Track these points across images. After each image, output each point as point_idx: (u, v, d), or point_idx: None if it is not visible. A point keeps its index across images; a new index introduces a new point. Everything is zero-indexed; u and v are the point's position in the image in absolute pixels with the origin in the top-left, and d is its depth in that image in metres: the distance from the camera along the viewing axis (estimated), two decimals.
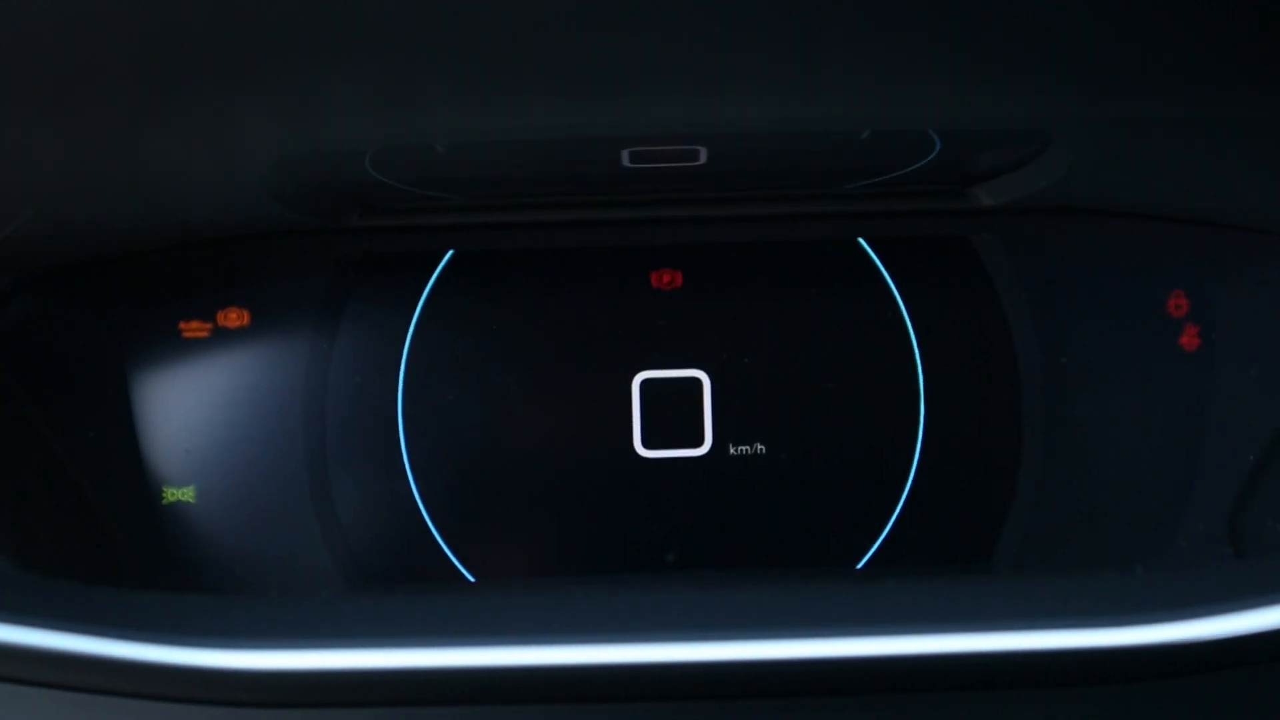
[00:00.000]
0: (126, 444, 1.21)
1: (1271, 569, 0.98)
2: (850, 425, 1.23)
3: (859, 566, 1.22)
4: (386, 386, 1.23)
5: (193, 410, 1.22)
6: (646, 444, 1.23)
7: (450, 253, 1.24)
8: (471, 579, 1.22)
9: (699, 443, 1.23)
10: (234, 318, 1.23)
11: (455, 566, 1.22)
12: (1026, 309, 1.23)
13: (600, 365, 1.24)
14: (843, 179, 1.20)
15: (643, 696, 0.87)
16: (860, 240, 1.24)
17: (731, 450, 1.23)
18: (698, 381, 1.23)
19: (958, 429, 1.23)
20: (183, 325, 1.23)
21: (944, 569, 1.22)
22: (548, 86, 0.84)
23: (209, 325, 1.23)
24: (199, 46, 0.77)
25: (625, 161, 1.06)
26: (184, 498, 1.22)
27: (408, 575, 1.22)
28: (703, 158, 1.05)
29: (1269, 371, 1.20)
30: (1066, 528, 1.21)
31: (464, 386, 1.23)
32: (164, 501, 1.21)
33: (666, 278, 1.25)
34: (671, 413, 1.23)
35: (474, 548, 1.22)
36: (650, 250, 1.25)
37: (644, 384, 1.23)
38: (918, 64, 0.83)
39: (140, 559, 1.20)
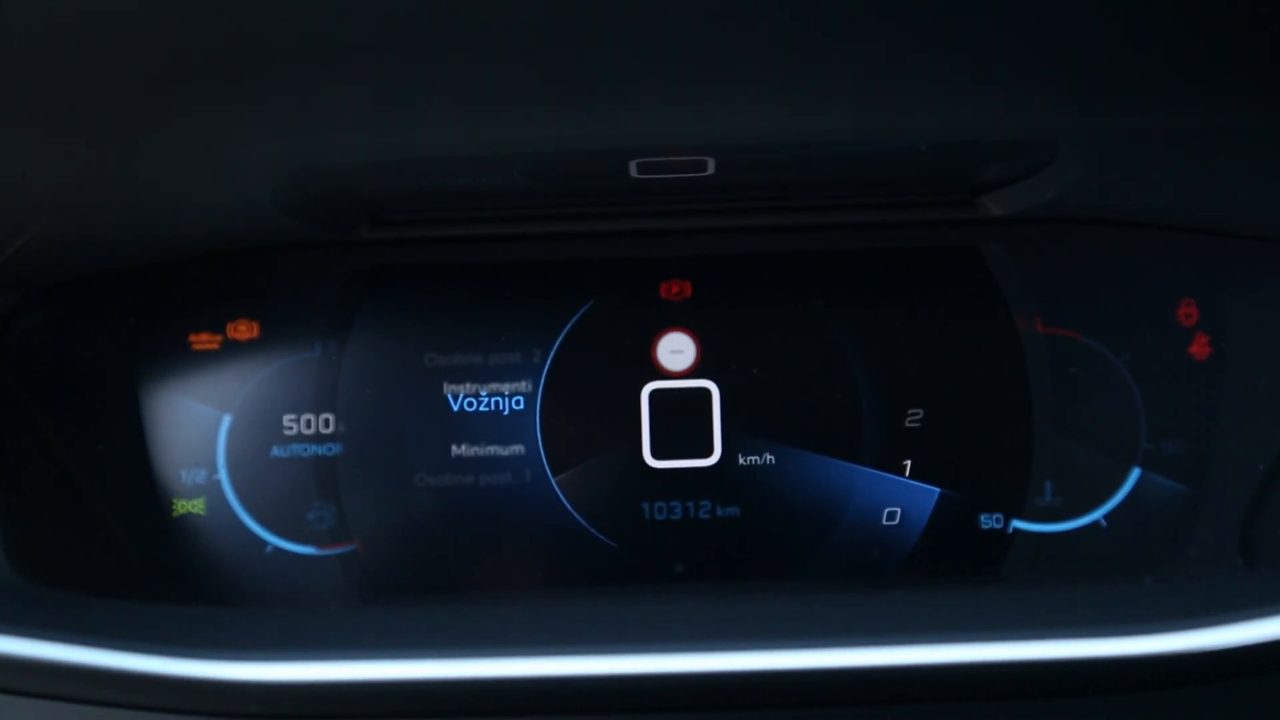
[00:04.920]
0: (136, 456, 1.21)
1: None
2: (859, 435, 1.23)
3: (868, 577, 1.22)
4: (397, 398, 1.23)
5: (203, 422, 1.22)
6: (656, 454, 1.23)
7: (459, 264, 1.24)
8: (480, 591, 1.22)
9: (708, 453, 1.23)
10: (244, 330, 1.23)
11: (464, 578, 1.22)
12: (1036, 318, 1.23)
13: (609, 375, 1.24)
14: (852, 189, 1.20)
15: (652, 707, 0.87)
16: (871, 249, 1.24)
17: (741, 460, 1.23)
18: (707, 392, 1.23)
19: (967, 439, 1.22)
20: (192, 337, 1.23)
21: (955, 580, 1.22)
22: (553, 98, 0.84)
23: (219, 337, 1.23)
24: (203, 62, 0.77)
25: (633, 173, 1.06)
26: (194, 510, 1.22)
27: (417, 588, 1.22)
28: (711, 168, 1.05)
29: None
30: (1077, 538, 1.21)
31: (473, 397, 1.23)
32: (174, 514, 1.22)
33: (675, 288, 1.25)
34: (681, 423, 1.23)
35: (485, 558, 1.22)
36: (659, 261, 1.25)
37: (653, 394, 1.23)
38: (924, 76, 0.83)
39: (150, 571, 1.20)
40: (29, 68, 0.76)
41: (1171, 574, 1.19)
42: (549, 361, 1.23)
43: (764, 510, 1.23)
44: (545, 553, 1.23)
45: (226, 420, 1.23)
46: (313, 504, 1.22)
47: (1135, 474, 1.22)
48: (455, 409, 1.23)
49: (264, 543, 1.22)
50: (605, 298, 1.24)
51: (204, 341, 1.23)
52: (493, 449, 1.23)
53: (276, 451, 1.23)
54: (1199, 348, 1.23)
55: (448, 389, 1.23)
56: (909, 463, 1.23)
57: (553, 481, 1.23)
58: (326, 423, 1.23)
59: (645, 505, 1.23)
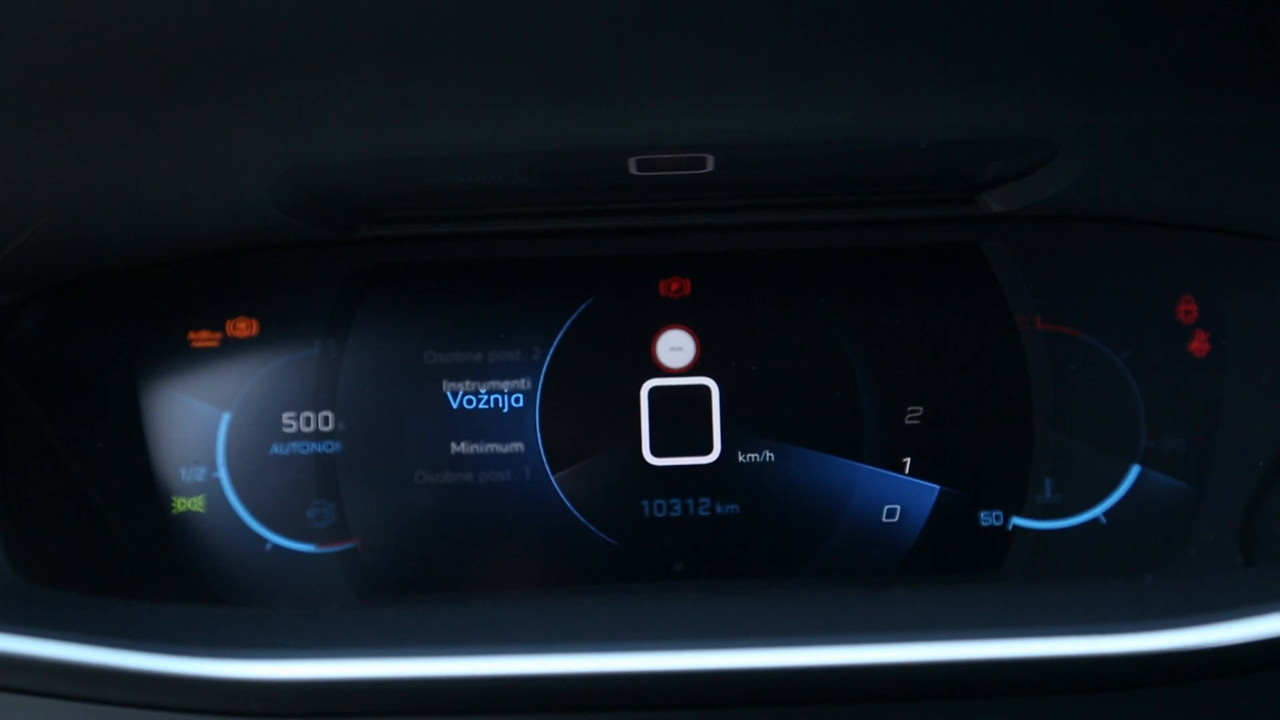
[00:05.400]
0: (136, 454, 1.21)
1: None
2: (859, 433, 1.23)
3: (868, 575, 1.22)
4: (397, 396, 1.23)
5: (202, 420, 1.22)
6: (655, 452, 1.23)
7: (458, 262, 1.24)
8: (480, 589, 1.22)
9: (708, 450, 1.23)
10: (243, 328, 1.23)
11: (466, 576, 1.22)
12: (1036, 315, 1.23)
13: (609, 373, 1.24)
14: (851, 186, 1.20)
15: (652, 705, 0.87)
16: (871, 247, 1.24)
17: (740, 458, 1.23)
18: (706, 389, 1.23)
19: (966, 436, 1.22)
20: (192, 335, 1.23)
21: (955, 577, 1.22)
22: (552, 95, 0.84)
23: (218, 335, 1.23)
24: (201, 61, 0.77)
25: (633, 170, 1.06)
26: (194, 508, 1.22)
27: (417, 586, 1.22)
28: (710, 165, 1.05)
29: None
30: (1076, 536, 1.21)
31: (473, 395, 1.23)
32: (174, 512, 1.22)
33: (675, 285, 1.25)
34: (680, 420, 1.23)
35: (485, 557, 1.22)
36: (659, 258, 1.25)
37: (653, 392, 1.23)
38: (923, 73, 0.83)
39: (150, 570, 1.20)
40: (26, 67, 0.76)
41: (1171, 571, 1.19)
42: (548, 359, 1.23)
43: (764, 508, 1.23)
44: (545, 550, 1.23)
45: (226, 418, 1.23)
46: (312, 502, 1.22)
47: (1135, 471, 1.22)
48: (455, 406, 1.23)
49: (264, 540, 1.22)
50: (604, 295, 1.24)
51: (204, 339, 1.23)
52: (492, 446, 1.23)
53: (276, 449, 1.23)
54: (1199, 345, 1.23)
55: (447, 386, 1.23)
56: (909, 460, 1.23)
57: (552, 479, 1.23)
58: (326, 420, 1.23)
59: (645, 503, 1.23)
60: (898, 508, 1.23)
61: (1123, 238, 1.22)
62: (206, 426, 1.22)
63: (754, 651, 0.84)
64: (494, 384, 1.23)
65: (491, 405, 1.23)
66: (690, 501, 1.23)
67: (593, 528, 1.23)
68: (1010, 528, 1.22)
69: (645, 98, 0.86)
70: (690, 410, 1.23)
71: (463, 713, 0.87)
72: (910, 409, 1.23)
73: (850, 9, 0.74)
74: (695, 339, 1.24)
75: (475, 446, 1.23)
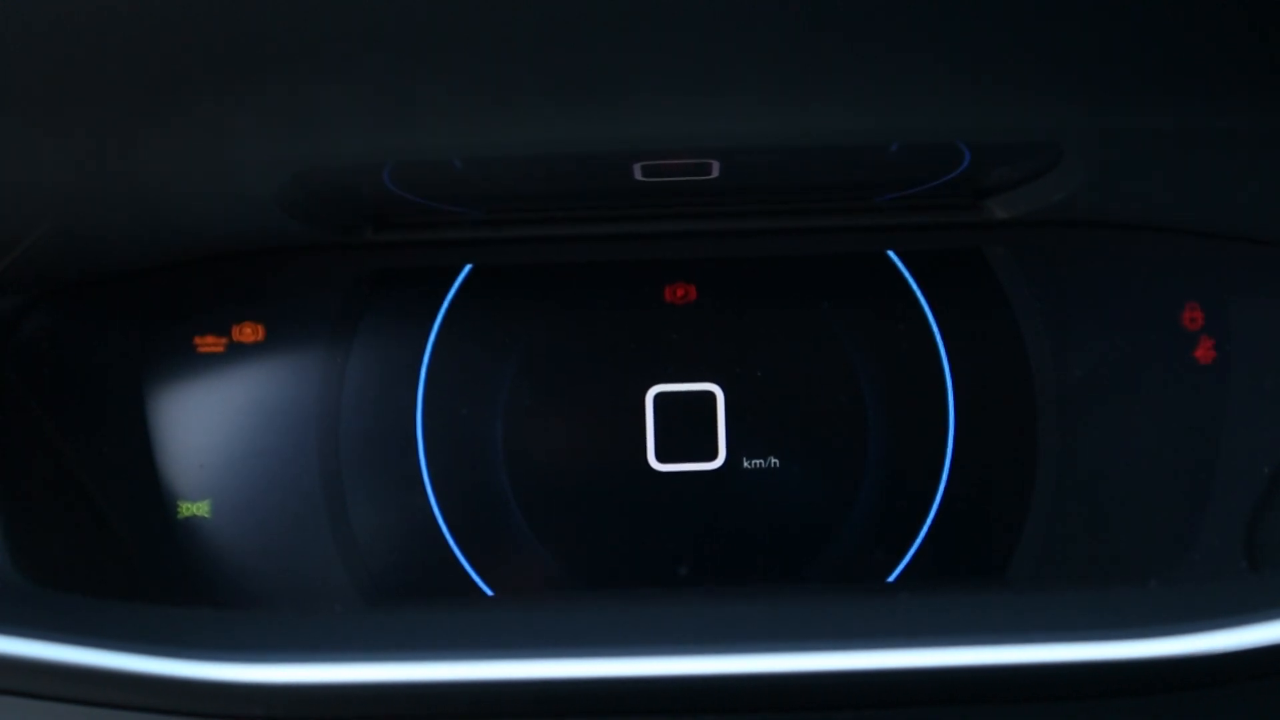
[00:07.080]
0: (142, 459, 1.21)
1: None
2: (863, 438, 1.23)
3: (872, 580, 1.22)
4: (403, 401, 1.23)
5: (208, 425, 1.22)
6: (660, 458, 1.23)
7: (466, 267, 1.24)
8: (487, 593, 1.22)
9: (713, 456, 1.23)
10: (249, 333, 1.23)
11: (471, 580, 1.22)
12: (1041, 322, 1.23)
13: (614, 379, 1.24)
14: (856, 192, 1.20)
15: (656, 710, 0.87)
16: (876, 253, 1.24)
17: (745, 464, 1.23)
18: (711, 395, 1.23)
19: (972, 443, 1.22)
20: (198, 340, 1.23)
21: (959, 582, 1.22)
22: (555, 98, 0.84)
23: (224, 340, 1.23)
24: (205, 62, 0.77)
25: (638, 175, 1.06)
26: (199, 512, 1.22)
27: (423, 589, 1.22)
28: (715, 171, 1.05)
29: None
30: (1082, 541, 1.21)
31: (479, 401, 1.23)
32: (179, 516, 1.22)
33: (680, 291, 1.25)
34: (685, 426, 1.23)
35: (490, 561, 1.22)
36: (664, 264, 1.25)
37: (658, 397, 1.23)
38: (928, 76, 0.83)
39: (155, 573, 1.20)
40: (32, 68, 0.77)
41: (1176, 577, 1.19)
42: (554, 364, 1.23)
43: (768, 513, 1.23)
44: (548, 555, 1.23)
45: (231, 422, 1.23)
46: (317, 506, 1.22)
47: (1140, 475, 1.22)
48: (462, 411, 1.23)
49: (268, 545, 1.22)
50: (610, 301, 1.24)
51: (209, 344, 1.23)
52: (500, 450, 1.23)
53: (282, 453, 1.23)
54: (1204, 351, 1.22)
55: (453, 391, 1.23)
56: (913, 465, 1.23)
57: (557, 484, 1.23)
58: (331, 425, 1.23)
59: (650, 508, 1.23)
60: (902, 513, 1.22)
61: (1127, 244, 1.22)
62: (212, 431, 1.22)
63: (758, 656, 0.85)
64: (499, 388, 1.23)
65: (498, 409, 1.23)
66: (695, 507, 1.23)
67: (597, 532, 1.22)
68: (1015, 533, 1.21)
69: (651, 103, 0.86)
70: (695, 416, 1.23)
71: (466, 716, 0.88)
72: (915, 415, 1.23)
73: (855, 11, 0.74)
74: (700, 345, 1.24)
75: (481, 449, 1.23)
